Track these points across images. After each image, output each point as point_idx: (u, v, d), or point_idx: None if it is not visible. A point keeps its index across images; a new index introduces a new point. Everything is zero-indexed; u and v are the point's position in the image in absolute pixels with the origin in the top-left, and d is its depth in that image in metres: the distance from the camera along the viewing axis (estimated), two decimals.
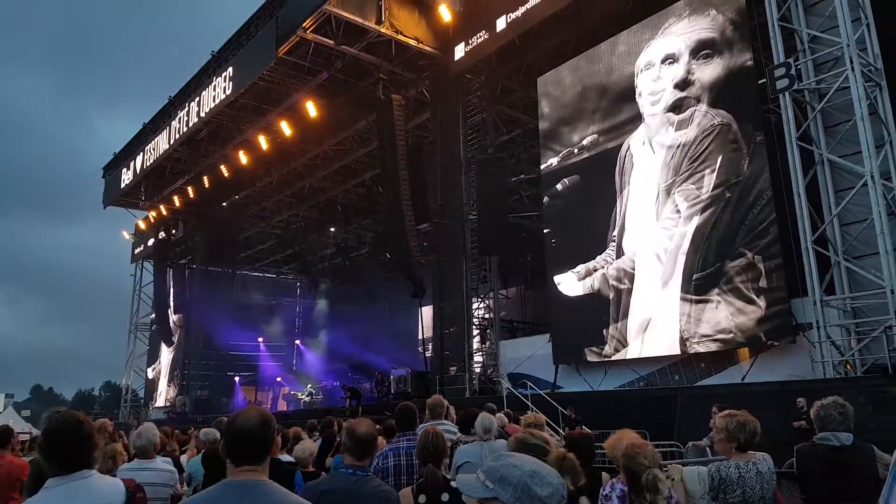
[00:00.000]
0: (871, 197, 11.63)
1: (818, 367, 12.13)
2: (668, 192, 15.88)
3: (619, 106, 17.56)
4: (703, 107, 15.37)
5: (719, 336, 14.40)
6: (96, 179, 37.31)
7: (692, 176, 15.39)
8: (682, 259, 15.35)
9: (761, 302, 13.75)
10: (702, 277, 14.84)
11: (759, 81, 14.10)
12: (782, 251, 13.57)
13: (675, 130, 15.89)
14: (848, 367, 11.97)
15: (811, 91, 12.99)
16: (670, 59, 16.24)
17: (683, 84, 15.86)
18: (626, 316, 16.58)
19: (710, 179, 15.03)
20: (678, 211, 15.61)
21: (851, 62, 11.98)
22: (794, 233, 12.83)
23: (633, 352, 16.38)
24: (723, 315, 14.34)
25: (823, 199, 12.76)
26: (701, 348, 14.80)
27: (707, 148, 15.19)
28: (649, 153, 16.55)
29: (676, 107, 15.93)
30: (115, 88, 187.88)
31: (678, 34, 16.19)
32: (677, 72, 16.03)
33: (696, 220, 15.16)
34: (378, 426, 7.37)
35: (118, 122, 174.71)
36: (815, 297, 12.19)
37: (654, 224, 16.16)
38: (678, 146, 15.79)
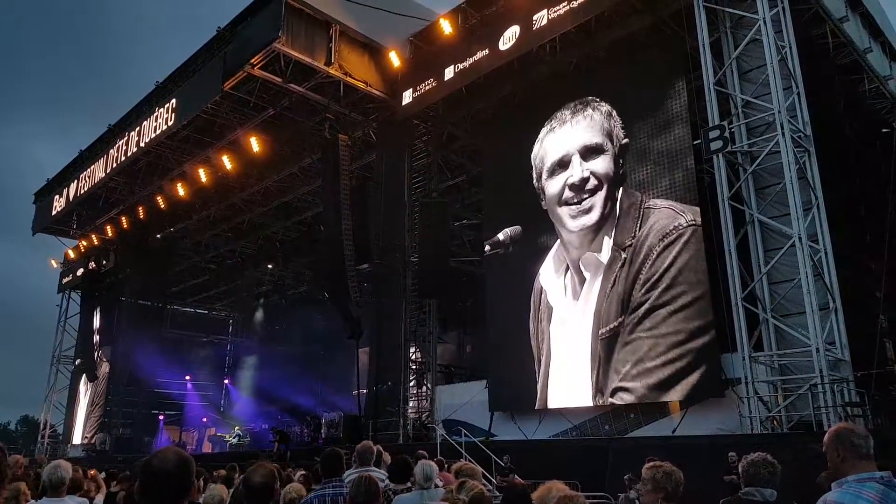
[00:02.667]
0: (799, 258, 12.09)
1: (746, 422, 12.37)
2: (580, 252, 16.79)
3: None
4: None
5: (645, 388, 14.64)
6: (11, 200, 35.85)
7: (598, 237, 16.41)
8: (598, 313, 15.96)
9: (691, 356, 14.04)
10: (625, 330, 15.25)
11: (695, 142, 14.63)
12: (713, 307, 13.93)
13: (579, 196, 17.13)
14: (775, 423, 12.25)
15: (744, 153, 13.54)
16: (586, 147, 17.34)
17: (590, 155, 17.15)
18: (548, 366, 16.92)
19: (608, 241, 16.12)
20: (590, 267, 16.45)
21: (782, 128, 12.56)
22: (725, 289, 13.18)
23: (553, 401, 16.72)
24: (651, 368, 14.60)
25: (753, 257, 13.21)
26: (628, 399, 15.01)
27: (608, 212, 16.44)
28: (566, 214, 17.38)
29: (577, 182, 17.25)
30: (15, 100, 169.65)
31: (591, 115, 17.35)
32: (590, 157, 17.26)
33: (602, 280, 16.03)
34: (304, 472, 7.17)
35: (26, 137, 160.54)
36: (744, 353, 12.50)
37: (570, 281, 16.91)
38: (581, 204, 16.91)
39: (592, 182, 17.01)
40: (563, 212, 17.46)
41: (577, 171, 17.31)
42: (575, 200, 17.21)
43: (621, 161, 16.45)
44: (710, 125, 13.57)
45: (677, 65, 16.09)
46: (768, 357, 12.73)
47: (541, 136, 18.42)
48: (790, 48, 13.47)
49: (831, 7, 16.11)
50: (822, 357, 11.52)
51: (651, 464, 3.73)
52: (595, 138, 17.21)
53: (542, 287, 17.61)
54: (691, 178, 15.17)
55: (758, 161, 13.17)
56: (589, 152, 17.21)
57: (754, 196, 13.37)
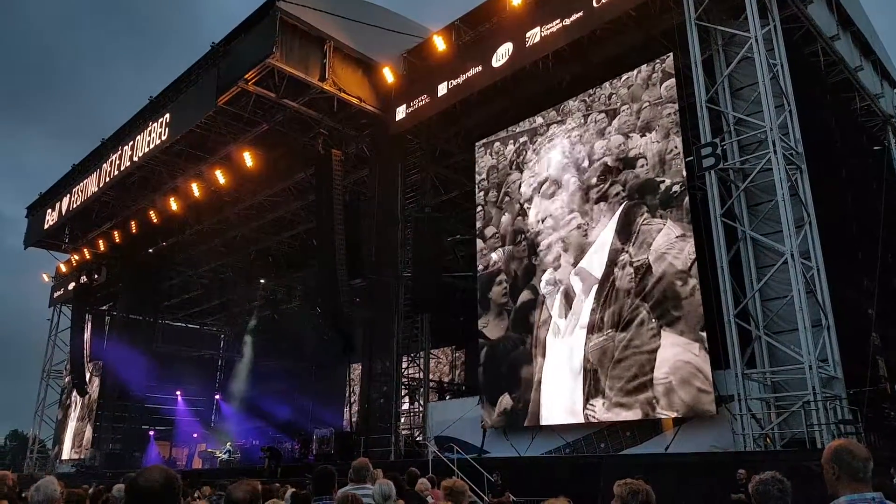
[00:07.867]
0: (791, 275, 12.09)
1: (739, 440, 12.32)
2: (573, 271, 16.74)
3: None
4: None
5: (637, 405, 14.53)
6: None
7: (594, 256, 16.30)
8: (589, 326, 15.89)
9: (685, 371, 13.96)
10: (618, 346, 15.15)
11: (687, 159, 14.67)
12: (706, 324, 13.88)
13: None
14: (767, 440, 12.21)
15: (736, 170, 13.59)
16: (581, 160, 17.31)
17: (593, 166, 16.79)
18: (540, 381, 16.82)
19: (600, 257, 16.02)
20: (583, 281, 16.38)
21: (774, 145, 12.61)
22: (718, 306, 13.16)
23: (546, 418, 16.57)
24: (645, 383, 14.50)
25: (745, 274, 13.22)
26: (625, 416, 14.89)
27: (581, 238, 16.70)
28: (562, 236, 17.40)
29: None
30: None
31: (594, 123, 17.29)
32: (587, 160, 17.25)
33: (594, 295, 15.97)
34: (294, 489, 7.09)
35: None
36: (737, 370, 12.47)
37: (565, 292, 16.84)
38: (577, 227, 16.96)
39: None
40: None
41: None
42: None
43: (613, 178, 16.26)
44: (702, 142, 13.63)
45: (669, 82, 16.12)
46: (761, 374, 12.71)
47: (535, 147, 18.52)
48: (782, 66, 13.57)
49: (823, 25, 16.27)
50: (814, 374, 11.50)
51: (621, 481, 3.75)
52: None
53: (543, 296, 17.44)
54: (683, 195, 15.16)
55: (750, 178, 13.21)
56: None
57: (746, 213, 13.40)
